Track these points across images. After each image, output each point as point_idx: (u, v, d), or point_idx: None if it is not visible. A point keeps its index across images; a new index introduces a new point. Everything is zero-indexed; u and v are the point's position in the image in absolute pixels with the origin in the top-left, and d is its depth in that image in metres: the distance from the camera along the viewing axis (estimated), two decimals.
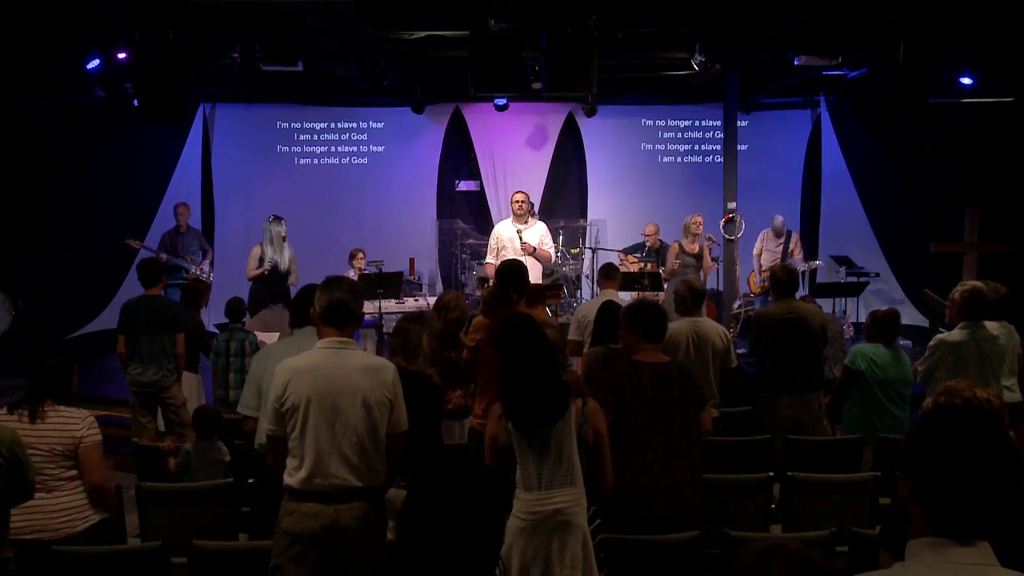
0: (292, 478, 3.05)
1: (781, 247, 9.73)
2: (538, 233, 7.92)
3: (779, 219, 9.82)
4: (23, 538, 3.41)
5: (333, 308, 3.15)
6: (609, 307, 4.75)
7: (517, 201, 8.00)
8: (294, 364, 3.12)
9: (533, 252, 7.68)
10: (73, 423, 3.57)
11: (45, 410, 3.54)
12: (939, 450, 1.51)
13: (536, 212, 10.22)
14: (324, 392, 3.03)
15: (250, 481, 4.10)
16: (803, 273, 9.79)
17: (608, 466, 3.27)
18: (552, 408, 3.10)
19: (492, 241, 8.07)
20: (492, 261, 7.94)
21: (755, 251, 9.85)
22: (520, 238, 7.73)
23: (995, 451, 1.51)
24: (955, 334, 4.84)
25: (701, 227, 8.61)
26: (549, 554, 3.02)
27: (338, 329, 3.15)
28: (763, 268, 9.69)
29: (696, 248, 8.53)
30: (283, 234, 8.17)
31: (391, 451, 3.14)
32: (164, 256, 8.81)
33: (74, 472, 3.58)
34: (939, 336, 4.94)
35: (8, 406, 3.58)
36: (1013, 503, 1.99)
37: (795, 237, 9.85)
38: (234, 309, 6.50)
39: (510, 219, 8.07)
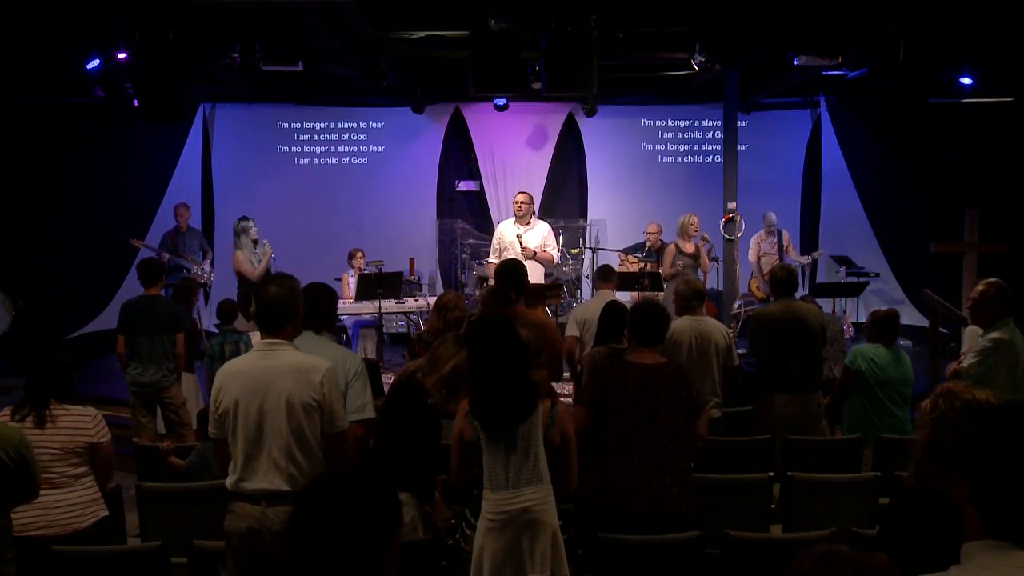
0: (228, 480, 3.06)
1: (776, 246, 9.70)
2: (540, 235, 7.89)
3: (772, 216, 9.79)
4: (29, 535, 3.41)
5: (261, 310, 3.09)
6: (612, 307, 4.75)
7: (517, 202, 7.99)
8: (228, 367, 3.11)
9: (534, 256, 7.65)
10: (85, 424, 3.57)
11: (53, 411, 3.52)
12: (999, 451, 1.49)
13: (536, 212, 10.23)
14: (250, 395, 3.00)
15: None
16: (805, 267, 9.76)
17: (574, 469, 3.27)
18: (517, 409, 3.10)
19: (495, 241, 8.08)
20: (494, 261, 7.93)
21: (751, 256, 9.78)
22: (520, 242, 7.69)
23: None
24: (1005, 332, 4.58)
25: (697, 227, 8.61)
26: (520, 553, 3.03)
27: (267, 333, 3.09)
28: (765, 272, 9.65)
29: (692, 248, 8.54)
30: (255, 235, 8.12)
31: (332, 451, 3.08)
32: (166, 256, 8.82)
33: (83, 469, 3.58)
34: (993, 336, 4.60)
35: (12, 409, 3.55)
36: None
37: (786, 235, 9.85)
38: (226, 311, 6.47)
39: (512, 219, 8.07)
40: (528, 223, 7.93)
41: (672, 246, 8.59)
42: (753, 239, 9.83)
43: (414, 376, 3.50)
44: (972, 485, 1.50)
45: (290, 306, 3.09)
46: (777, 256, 9.59)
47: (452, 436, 3.24)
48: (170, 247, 9.13)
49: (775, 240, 9.73)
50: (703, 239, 8.70)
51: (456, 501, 3.45)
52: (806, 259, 9.77)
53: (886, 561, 1.57)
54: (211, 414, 3.10)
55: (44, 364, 3.59)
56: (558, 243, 9.86)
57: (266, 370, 3.02)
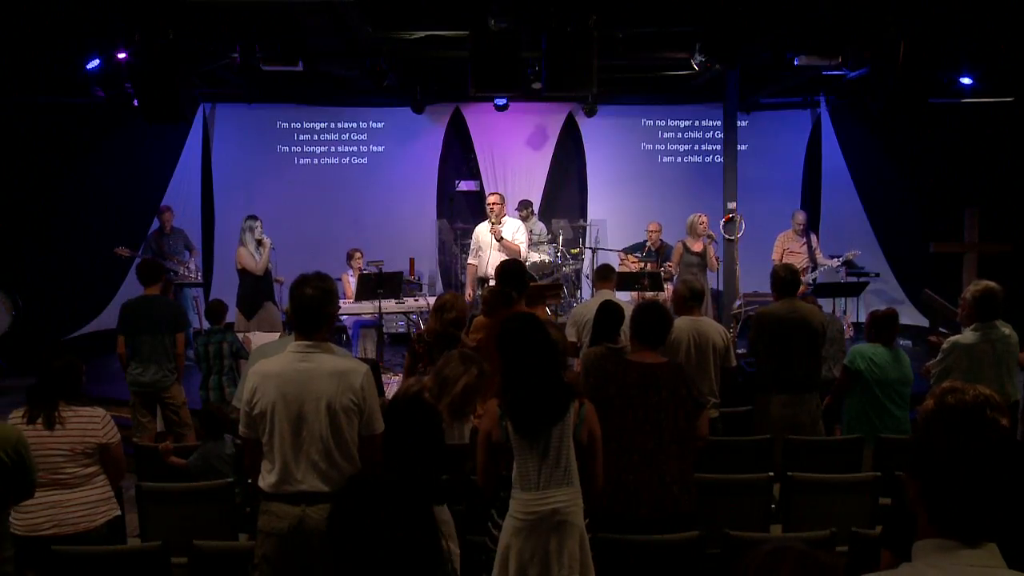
0: (264, 481, 3.06)
1: (806, 247, 9.52)
2: (510, 231, 8.13)
3: (800, 215, 9.61)
4: (41, 534, 3.45)
5: (299, 313, 3.08)
6: (607, 307, 4.75)
7: (490, 203, 8.21)
8: (262, 368, 3.10)
9: (501, 240, 7.91)
10: (94, 425, 3.61)
11: (62, 413, 3.57)
12: (945, 453, 1.51)
13: (535, 211, 10.24)
14: (289, 398, 3.00)
15: (249, 481, 4.10)
16: (836, 269, 9.63)
17: (600, 468, 3.26)
18: (554, 410, 3.09)
19: (473, 243, 8.32)
20: (473, 262, 8.23)
21: (775, 255, 9.56)
22: (493, 234, 8.01)
23: (1000, 453, 1.51)
24: (968, 336, 4.78)
25: (706, 226, 8.62)
26: (547, 554, 3.02)
27: (303, 335, 3.09)
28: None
29: (700, 247, 8.56)
30: (259, 235, 8.12)
31: (366, 453, 3.10)
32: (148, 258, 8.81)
33: (94, 469, 3.63)
34: (952, 339, 4.86)
35: (24, 413, 3.58)
36: (1019, 504, 1.98)
37: (814, 236, 9.79)
38: (214, 311, 6.55)
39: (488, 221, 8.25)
40: (501, 223, 8.14)
41: (680, 245, 8.62)
42: (779, 237, 9.67)
43: (422, 397, 3.44)
44: (921, 486, 1.53)
45: (325, 308, 3.10)
46: (806, 256, 9.43)
47: (479, 438, 3.22)
48: (154, 249, 9.14)
49: (804, 240, 9.59)
50: (710, 237, 8.71)
51: (481, 502, 3.42)
52: (834, 262, 9.64)
53: (889, 558, 1.57)
54: (243, 414, 3.08)
55: (53, 366, 3.62)
56: (557, 243, 9.92)
57: (304, 373, 3.02)
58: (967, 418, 1.60)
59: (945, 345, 4.87)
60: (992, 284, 4.85)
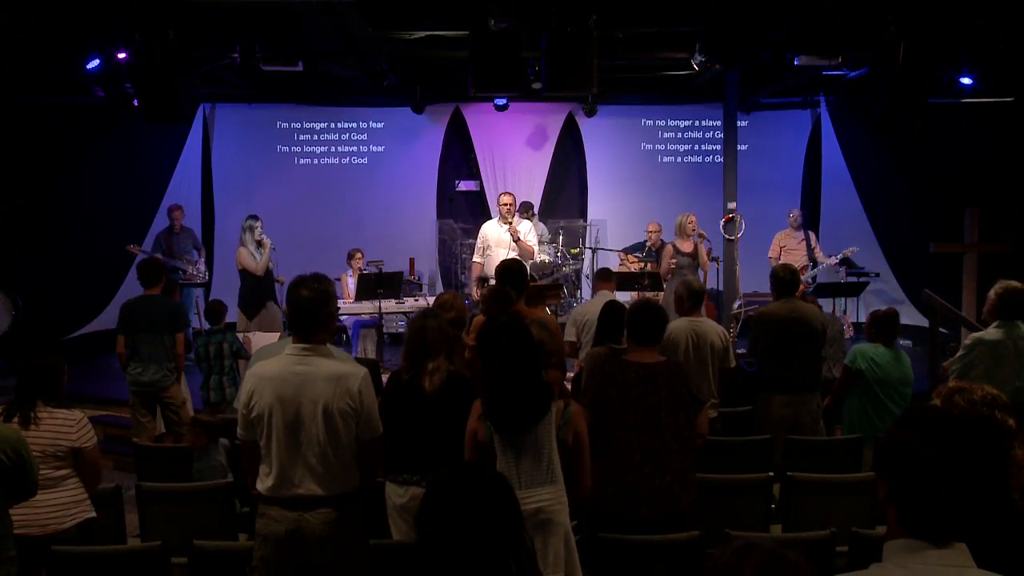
0: (262, 484, 3.05)
1: (804, 244, 9.54)
2: (523, 231, 8.09)
3: (796, 211, 9.68)
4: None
5: (295, 315, 3.06)
6: (611, 307, 4.75)
7: (504, 203, 8.14)
8: (260, 371, 3.08)
9: (518, 240, 7.88)
10: (67, 428, 3.55)
11: (38, 414, 3.52)
12: (912, 453, 1.52)
13: (536, 212, 10.25)
14: (286, 401, 2.98)
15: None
16: (834, 268, 9.66)
17: (586, 470, 3.25)
18: (532, 411, 3.09)
19: (479, 241, 8.24)
20: (479, 260, 8.16)
21: (772, 254, 9.60)
22: (511, 234, 7.94)
23: (970, 453, 1.51)
24: (992, 332, 4.74)
25: (695, 226, 8.61)
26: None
27: (302, 337, 3.07)
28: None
29: (690, 247, 8.53)
30: (259, 235, 8.09)
31: (364, 457, 3.09)
32: (159, 257, 8.82)
33: (65, 472, 3.57)
34: (976, 335, 4.83)
35: (2, 411, 3.55)
36: (992, 504, 1.99)
37: (812, 234, 9.80)
38: (213, 311, 6.57)
39: (497, 219, 8.20)
40: (509, 223, 8.10)
41: (670, 246, 8.60)
42: (776, 236, 9.71)
43: (457, 374, 3.43)
44: (890, 486, 1.53)
45: (322, 309, 3.07)
46: (804, 253, 9.44)
47: (466, 437, 3.23)
48: (164, 248, 9.14)
49: (802, 238, 9.62)
50: (701, 236, 8.70)
51: None
52: (833, 259, 9.66)
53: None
54: (241, 417, 3.07)
55: (35, 366, 3.60)
56: (557, 243, 9.93)
57: (301, 376, 3.00)
58: (937, 417, 1.59)
59: (968, 341, 4.84)
60: (1018, 284, 4.80)
